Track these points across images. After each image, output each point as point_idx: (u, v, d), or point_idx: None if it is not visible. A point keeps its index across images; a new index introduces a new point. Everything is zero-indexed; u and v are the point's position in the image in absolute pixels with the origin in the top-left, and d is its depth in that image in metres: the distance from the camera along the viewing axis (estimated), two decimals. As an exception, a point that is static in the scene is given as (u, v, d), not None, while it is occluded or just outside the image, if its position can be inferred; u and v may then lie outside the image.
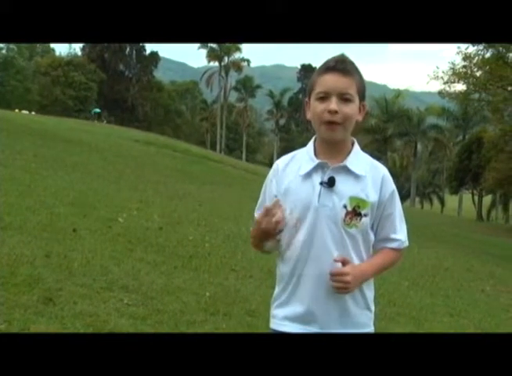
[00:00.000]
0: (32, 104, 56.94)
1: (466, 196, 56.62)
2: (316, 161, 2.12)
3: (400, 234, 2.18)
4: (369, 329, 2.14)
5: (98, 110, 51.84)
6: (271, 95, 73.61)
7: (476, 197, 52.99)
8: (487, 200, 53.84)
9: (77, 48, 70.60)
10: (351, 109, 2.08)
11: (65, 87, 59.34)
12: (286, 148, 57.71)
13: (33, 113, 43.41)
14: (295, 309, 2.12)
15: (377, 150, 51.12)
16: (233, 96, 74.36)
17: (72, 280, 4.86)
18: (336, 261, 2.03)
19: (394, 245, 2.17)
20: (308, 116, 2.17)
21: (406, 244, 2.20)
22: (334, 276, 2.02)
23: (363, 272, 2.08)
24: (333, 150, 2.13)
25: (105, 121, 49.51)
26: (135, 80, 69.33)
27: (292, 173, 2.15)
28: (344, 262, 2.03)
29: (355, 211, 2.07)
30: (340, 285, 2.02)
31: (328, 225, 2.07)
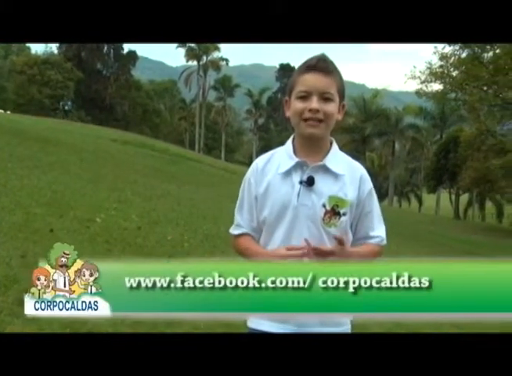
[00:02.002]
0: (7, 103, 56.19)
1: (444, 195, 57.13)
2: (295, 160, 2.12)
3: (378, 231, 2.19)
4: (346, 327, 2.14)
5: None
6: (249, 94, 73.51)
7: (453, 196, 53.50)
8: (464, 198, 54.37)
9: (53, 46, 69.70)
10: (332, 108, 2.08)
11: (41, 86, 58.60)
12: (265, 147, 57.68)
13: (8, 112, 42.84)
14: None
15: (356, 149, 51.32)
16: (212, 95, 74.14)
17: (49, 280, 4.80)
18: (336, 238, 2.00)
19: (374, 241, 2.19)
20: (288, 114, 2.17)
21: (385, 241, 2.21)
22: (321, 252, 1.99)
23: (348, 257, 2.04)
24: (312, 149, 2.13)
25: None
26: (112, 79, 68.75)
27: (271, 171, 2.16)
28: (341, 242, 2.01)
29: (333, 211, 2.08)
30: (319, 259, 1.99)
31: (307, 225, 2.07)
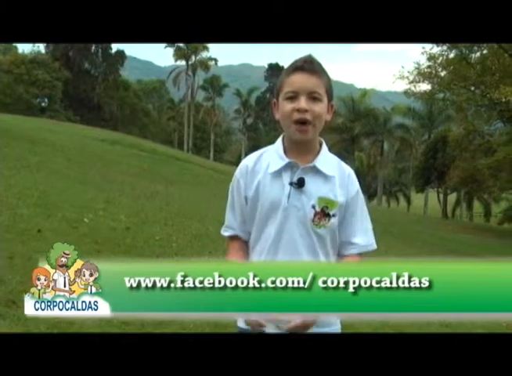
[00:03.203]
0: (-6, 103, 55.85)
1: (432, 194, 57.36)
2: (286, 160, 2.12)
3: (359, 238, 2.15)
4: (336, 327, 2.14)
5: None
6: (238, 94, 73.48)
7: (441, 196, 53.74)
8: (452, 198, 54.63)
9: (40, 45, 69.17)
10: (321, 108, 2.08)
11: (28, 85, 58.25)
12: (254, 147, 57.61)
13: (-5, 111, 42.51)
14: None
15: (345, 149, 51.43)
16: (200, 95, 74.01)
17: (36, 281, 4.77)
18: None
19: (354, 251, 2.14)
20: (277, 116, 2.16)
21: (372, 247, 2.18)
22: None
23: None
24: (302, 150, 2.13)
25: None
26: (100, 78, 68.47)
27: (261, 171, 2.15)
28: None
29: (323, 212, 2.07)
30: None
31: (297, 226, 2.07)
